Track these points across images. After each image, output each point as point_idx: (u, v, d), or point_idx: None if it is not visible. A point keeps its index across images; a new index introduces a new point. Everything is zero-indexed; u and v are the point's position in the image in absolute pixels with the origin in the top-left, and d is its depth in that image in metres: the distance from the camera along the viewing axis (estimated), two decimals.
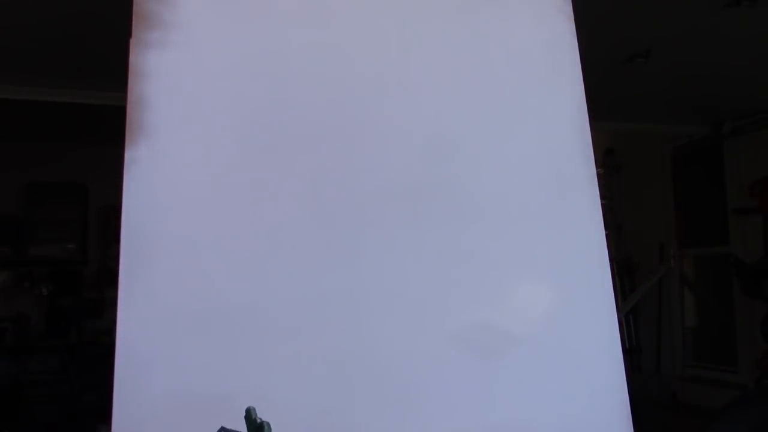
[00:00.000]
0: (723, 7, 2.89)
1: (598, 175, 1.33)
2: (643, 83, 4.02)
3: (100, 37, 2.88)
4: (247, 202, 1.10)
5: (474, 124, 1.27)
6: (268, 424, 0.81)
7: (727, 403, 1.85)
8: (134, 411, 0.98)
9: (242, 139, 1.13)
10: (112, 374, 0.98)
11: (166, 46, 1.11)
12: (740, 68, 3.80)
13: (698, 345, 5.74)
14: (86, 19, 2.80)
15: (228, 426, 0.86)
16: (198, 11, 1.16)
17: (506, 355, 1.16)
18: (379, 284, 1.14)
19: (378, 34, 1.26)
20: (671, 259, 5.70)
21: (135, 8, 1.12)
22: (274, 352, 1.06)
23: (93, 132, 4.96)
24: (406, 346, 1.12)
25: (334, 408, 1.05)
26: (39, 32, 3.01)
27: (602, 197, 1.35)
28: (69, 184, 5.77)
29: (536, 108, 1.33)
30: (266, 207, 1.11)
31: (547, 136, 1.31)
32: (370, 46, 1.25)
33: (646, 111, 4.90)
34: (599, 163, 3.85)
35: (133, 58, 1.09)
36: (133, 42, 1.10)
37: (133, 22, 1.11)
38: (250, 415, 0.84)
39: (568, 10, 1.40)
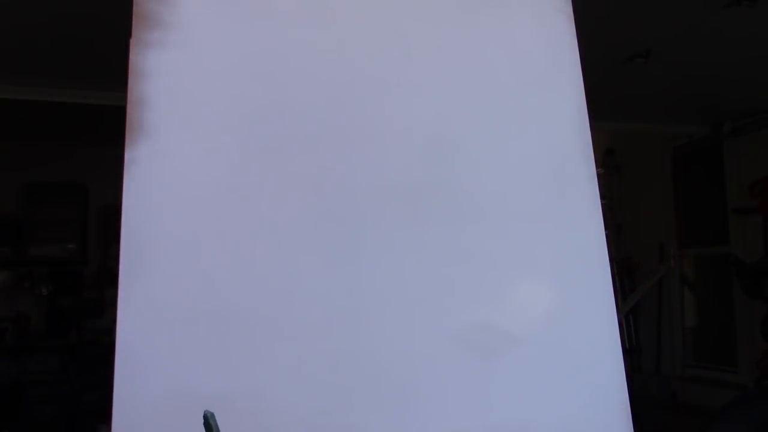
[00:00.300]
0: (723, 7, 2.89)
1: (598, 175, 1.33)
2: (643, 83, 4.02)
3: (100, 37, 2.88)
4: (247, 202, 1.10)
5: (474, 123, 1.27)
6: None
7: (727, 403, 1.85)
8: (134, 411, 0.98)
9: (242, 139, 1.13)
10: (112, 374, 0.97)
11: (166, 46, 1.11)
12: (740, 68, 3.80)
13: (698, 345, 5.74)
14: (86, 19, 2.80)
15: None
16: (198, 11, 1.15)
17: (506, 355, 1.16)
18: (379, 284, 1.13)
19: (378, 33, 1.26)
20: (671, 259, 5.70)
21: (135, 8, 1.12)
22: (274, 352, 1.05)
23: (93, 132, 4.96)
24: (406, 346, 1.12)
25: (334, 408, 1.05)
26: (39, 32, 3.01)
27: (602, 197, 1.35)
28: (69, 184, 5.76)
29: (536, 108, 1.33)
30: (266, 207, 1.11)
31: (547, 136, 1.31)
32: (370, 46, 1.25)
33: (646, 111, 4.90)
34: (599, 163, 3.85)
35: (133, 58, 1.09)
36: (133, 42, 1.10)
37: (133, 22, 1.11)
38: (208, 422, 0.81)
39: (568, 10, 1.40)
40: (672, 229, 5.75)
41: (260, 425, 1.01)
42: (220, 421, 0.85)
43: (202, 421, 0.83)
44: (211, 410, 0.82)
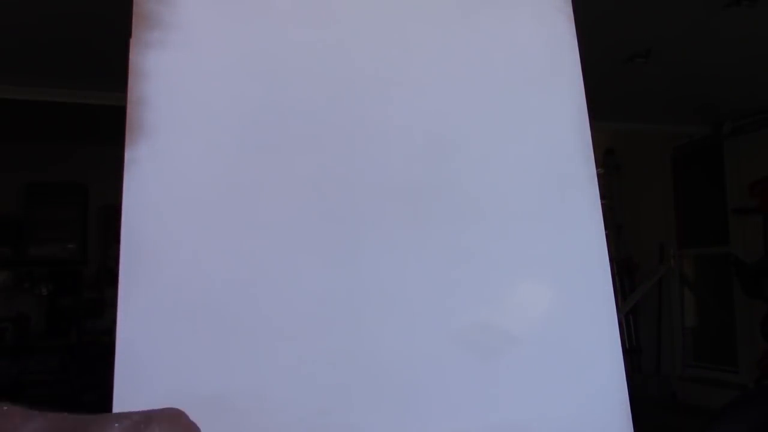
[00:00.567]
0: (723, 7, 2.89)
1: (598, 175, 1.33)
2: (643, 83, 4.02)
3: (100, 37, 2.88)
4: (248, 202, 1.10)
5: (474, 123, 1.27)
6: None
7: (727, 403, 1.85)
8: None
9: (242, 139, 1.13)
10: (112, 374, 0.97)
11: (166, 46, 1.11)
12: (740, 68, 3.80)
13: (698, 345, 5.75)
14: (86, 19, 2.80)
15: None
16: (198, 11, 1.15)
17: (506, 355, 1.16)
18: (379, 284, 1.13)
19: (378, 33, 1.26)
20: (671, 259, 5.70)
21: (135, 8, 1.11)
22: (275, 352, 1.05)
23: (93, 132, 4.97)
24: (406, 346, 1.12)
25: (334, 408, 1.05)
26: (39, 32, 3.01)
27: (602, 197, 1.34)
28: (69, 184, 5.77)
29: (536, 108, 1.33)
30: (266, 207, 1.11)
31: (547, 136, 1.31)
32: (370, 46, 1.25)
33: (646, 111, 4.91)
34: (599, 163, 3.85)
35: (133, 58, 1.09)
36: (133, 42, 1.10)
37: (133, 22, 1.11)
38: None
39: (568, 10, 1.40)
40: (672, 229, 5.75)
41: (260, 425, 1.01)
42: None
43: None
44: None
